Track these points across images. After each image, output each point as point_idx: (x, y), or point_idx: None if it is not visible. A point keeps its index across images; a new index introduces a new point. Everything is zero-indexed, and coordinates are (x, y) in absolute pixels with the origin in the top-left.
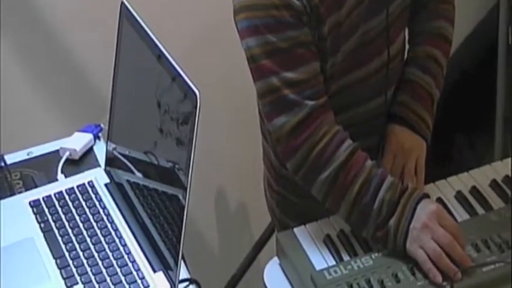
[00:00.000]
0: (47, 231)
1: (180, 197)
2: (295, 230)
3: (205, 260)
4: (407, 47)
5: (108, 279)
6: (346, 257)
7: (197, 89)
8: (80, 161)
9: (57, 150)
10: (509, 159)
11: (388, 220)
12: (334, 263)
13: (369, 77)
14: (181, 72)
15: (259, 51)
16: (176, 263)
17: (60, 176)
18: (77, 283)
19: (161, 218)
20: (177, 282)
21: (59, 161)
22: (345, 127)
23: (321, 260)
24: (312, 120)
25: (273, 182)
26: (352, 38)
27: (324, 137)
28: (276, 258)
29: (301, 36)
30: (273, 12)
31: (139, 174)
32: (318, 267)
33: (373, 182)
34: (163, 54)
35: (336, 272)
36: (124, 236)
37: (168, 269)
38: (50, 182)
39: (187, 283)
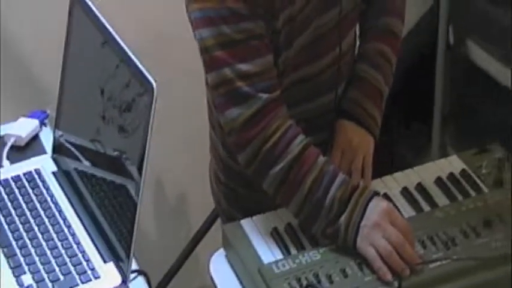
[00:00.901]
0: None
1: (129, 187)
2: (242, 222)
3: (143, 250)
4: (358, 43)
5: (57, 269)
6: (293, 251)
7: (154, 79)
8: (26, 148)
9: (2, 137)
10: (454, 156)
11: (339, 217)
12: (281, 256)
13: (321, 72)
14: (138, 63)
15: (213, 42)
16: (127, 254)
17: (5, 162)
18: (25, 273)
19: (111, 208)
20: (128, 273)
21: (3, 148)
22: (296, 122)
23: (268, 253)
24: (265, 113)
25: (220, 174)
26: (305, 32)
27: (277, 131)
28: (221, 250)
29: (256, 29)
30: (228, 4)
31: (87, 163)
32: (265, 261)
33: (325, 178)
34: (114, 39)
35: (284, 265)
36: (73, 225)
37: (119, 260)
38: None
39: (135, 274)
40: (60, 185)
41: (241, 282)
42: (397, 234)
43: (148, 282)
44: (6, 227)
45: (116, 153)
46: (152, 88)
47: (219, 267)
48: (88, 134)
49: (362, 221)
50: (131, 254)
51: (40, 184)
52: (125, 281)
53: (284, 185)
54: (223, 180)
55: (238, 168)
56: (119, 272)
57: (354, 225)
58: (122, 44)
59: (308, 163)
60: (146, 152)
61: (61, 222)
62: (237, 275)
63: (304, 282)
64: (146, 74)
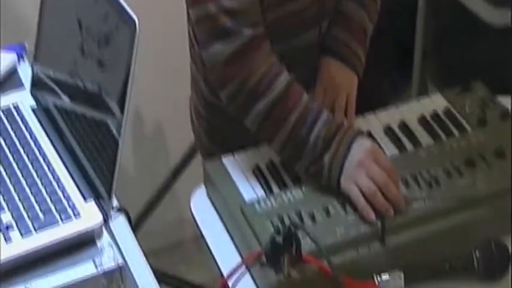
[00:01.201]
0: None
1: (110, 123)
2: (224, 159)
3: (121, 185)
4: None
5: (36, 207)
6: (276, 189)
7: (135, 16)
8: (3, 83)
9: None
10: (438, 95)
11: (323, 155)
12: (263, 194)
13: (306, 7)
14: None
15: None
16: (108, 192)
17: None
18: (3, 210)
19: (91, 145)
20: (109, 212)
21: None
22: (280, 59)
23: (250, 191)
24: (249, 49)
25: (201, 109)
26: None
27: (261, 68)
28: (202, 187)
29: None
30: None
31: (66, 98)
32: (247, 199)
33: (309, 116)
34: None
35: (266, 204)
36: (53, 162)
37: (99, 198)
38: None
39: (115, 212)
40: (39, 121)
41: (222, 220)
42: (381, 173)
43: (129, 220)
44: None
45: (95, 88)
46: (134, 25)
47: (200, 204)
48: (67, 68)
49: (346, 160)
50: (113, 192)
51: (19, 120)
52: (106, 219)
53: (268, 122)
54: (204, 115)
55: (219, 104)
56: (100, 210)
57: (338, 164)
58: None
59: (292, 100)
60: (128, 90)
61: (40, 159)
62: (218, 213)
63: (287, 221)
64: (127, 8)
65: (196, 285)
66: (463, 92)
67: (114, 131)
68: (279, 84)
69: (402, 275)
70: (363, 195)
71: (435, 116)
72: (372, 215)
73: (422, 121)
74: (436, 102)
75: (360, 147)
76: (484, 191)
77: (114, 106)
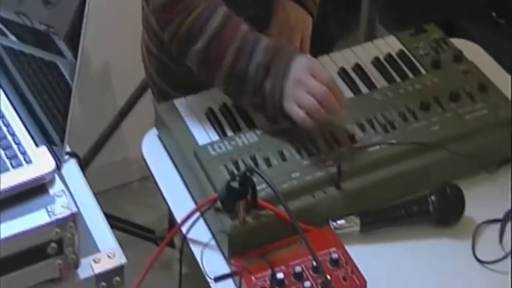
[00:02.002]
0: None
1: (60, 65)
2: (176, 101)
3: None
4: None
5: None
6: (229, 133)
7: None
8: None
9: None
10: (392, 37)
11: (264, 84)
12: (217, 138)
13: None
14: None
15: None
16: (61, 138)
17: None
18: None
19: (42, 90)
20: (62, 158)
21: None
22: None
23: (203, 134)
24: None
25: (153, 47)
26: None
27: (197, 8)
28: (154, 130)
29: None
30: None
31: (13, 38)
32: (200, 142)
33: (247, 47)
34: None
35: (220, 147)
36: (2, 107)
37: (51, 144)
38: None
39: (67, 157)
40: None
41: (174, 163)
42: (320, 86)
43: (80, 165)
44: None
45: (42, 27)
46: None
47: (151, 146)
48: (12, 5)
49: (285, 82)
50: (66, 138)
51: None
52: (58, 166)
53: (206, 60)
54: (155, 53)
55: None
56: (52, 156)
57: (278, 87)
58: None
59: (229, 34)
60: (82, 33)
61: None
62: (170, 156)
63: (242, 165)
64: None
65: (142, 227)
66: (417, 34)
67: (67, 76)
68: (214, 21)
69: (358, 220)
70: (307, 113)
71: (389, 58)
72: (310, 122)
73: (377, 63)
74: (390, 44)
75: (297, 65)
76: (439, 135)
77: (63, 46)
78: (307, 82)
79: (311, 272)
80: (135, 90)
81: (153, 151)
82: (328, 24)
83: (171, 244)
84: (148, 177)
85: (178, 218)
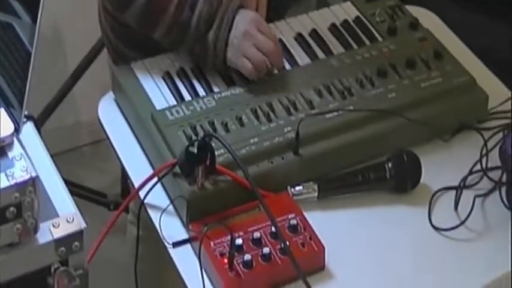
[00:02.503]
0: None
1: (16, 26)
2: (133, 64)
3: None
4: None
5: None
6: (187, 97)
7: None
8: None
9: None
10: (348, 3)
11: (207, 33)
12: (175, 102)
13: None
14: None
15: None
16: (20, 101)
17: None
18: None
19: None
20: (21, 122)
21: None
22: None
23: (161, 98)
24: None
25: (108, 5)
26: None
27: None
28: (110, 93)
29: None
30: None
31: None
32: (158, 106)
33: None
34: None
35: (178, 112)
36: None
37: (9, 106)
38: None
39: (24, 119)
40: None
41: (131, 128)
42: (268, 41)
43: (37, 128)
44: None
45: None
46: None
47: (108, 110)
48: None
49: (230, 34)
50: (25, 101)
51: None
52: (17, 129)
53: (150, 9)
54: (111, 11)
55: None
56: (11, 119)
57: (222, 38)
58: None
59: None
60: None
61: None
62: (127, 120)
63: (200, 131)
64: None
65: (94, 191)
66: (373, 1)
67: (24, 38)
68: None
69: (316, 187)
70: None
71: (346, 24)
72: (256, 74)
73: (333, 29)
74: (346, 10)
75: (244, 19)
76: (395, 102)
77: (21, 10)
78: (255, 35)
79: (269, 237)
80: (89, 51)
81: (109, 115)
82: None
83: (127, 210)
84: (99, 142)
85: (136, 182)
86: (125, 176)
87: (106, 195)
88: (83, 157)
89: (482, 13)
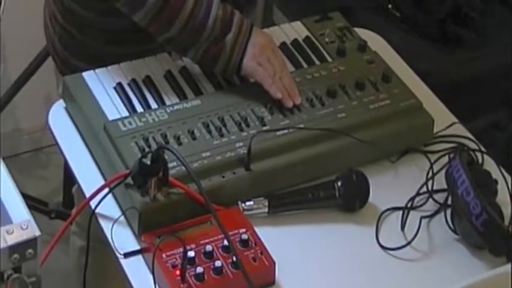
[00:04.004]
0: None
1: None
2: (85, 74)
3: None
4: None
5: None
6: (139, 108)
7: None
8: None
9: None
10: (298, 22)
11: (225, 36)
12: (127, 113)
13: None
14: None
15: None
16: None
17: None
18: None
19: None
20: None
21: None
22: None
23: (112, 109)
24: None
25: (58, 14)
26: None
27: None
28: (61, 101)
29: None
30: None
31: None
32: (110, 117)
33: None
34: None
35: (130, 123)
36: None
37: None
38: None
39: None
40: None
41: (82, 137)
42: (280, 61)
43: None
44: None
45: None
46: None
47: (58, 119)
48: None
49: (249, 43)
50: None
51: None
52: None
53: (163, 12)
54: (60, 21)
55: (78, 11)
56: None
57: (241, 44)
58: None
59: None
60: None
61: None
62: (78, 129)
63: (153, 143)
64: None
65: (36, 199)
66: (322, 21)
67: None
68: None
69: (267, 202)
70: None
71: (296, 43)
72: (280, 94)
73: (283, 47)
74: (296, 29)
75: (261, 34)
76: (344, 122)
77: None
78: (270, 53)
79: (221, 251)
80: (34, 59)
81: (59, 123)
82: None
83: (64, 217)
84: (39, 149)
85: (87, 192)
86: (67, 184)
87: (47, 204)
88: (23, 164)
89: (424, 38)
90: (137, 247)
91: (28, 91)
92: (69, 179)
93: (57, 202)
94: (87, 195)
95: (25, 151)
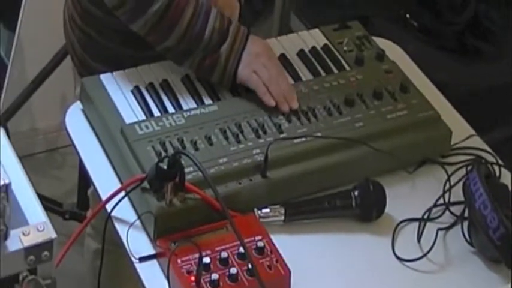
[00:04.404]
0: None
1: None
2: (102, 77)
3: None
4: None
5: None
6: (156, 112)
7: None
8: None
9: None
10: (316, 30)
11: (220, 46)
12: (144, 117)
13: None
14: None
15: None
16: None
17: None
18: None
19: None
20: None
21: None
22: None
23: (130, 112)
24: None
25: (76, 17)
26: None
27: None
28: (78, 103)
29: None
30: None
31: None
32: (127, 120)
33: (202, 11)
34: None
35: (147, 127)
36: None
37: None
38: None
39: None
40: None
41: (99, 139)
42: (276, 66)
43: (8, 135)
44: None
45: None
46: None
47: (75, 120)
48: None
49: (244, 51)
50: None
51: None
52: None
53: (162, 22)
54: (79, 23)
55: (96, 12)
56: None
57: (236, 53)
58: None
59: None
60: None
61: None
62: (94, 131)
63: (169, 147)
64: None
65: (50, 200)
66: (341, 29)
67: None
68: None
69: (283, 210)
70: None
71: (314, 51)
72: (273, 101)
73: (302, 55)
74: (314, 37)
75: (256, 42)
76: (362, 132)
77: None
78: (265, 59)
79: (236, 258)
80: (52, 59)
81: (76, 125)
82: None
83: (78, 219)
84: (54, 150)
85: (103, 195)
86: (82, 186)
87: (61, 205)
88: (37, 164)
89: (441, 49)
90: (152, 252)
91: (44, 91)
92: (84, 180)
93: (72, 203)
94: (103, 198)
95: (40, 151)
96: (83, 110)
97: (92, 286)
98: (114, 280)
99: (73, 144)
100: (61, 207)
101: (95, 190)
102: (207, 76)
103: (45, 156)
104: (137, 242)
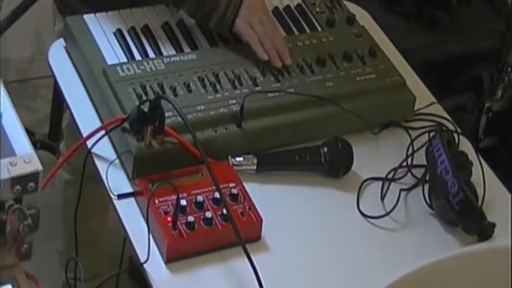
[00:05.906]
0: None
1: None
2: (86, 17)
3: None
4: None
5: None
6: (137, 56)
7: None
8: None
9: None
10: None
11: None
12: (125, 60)
13: None
14: None
15: None
16: None
17: None
18: None
19: None
20: None
21: None
22: None
23: (112, 54)
24: None
25: None
26: None
27: None
28: (61, 40)
29: None
30: None
31: None
32: (109, 62)
33: None
34: None
35: (128, 69)
36: None
37: None
38: None
39: None
40: None
41: (81, 77)
42: (272, 22)
43: None
44: None
45: None
46: None
47: (58, 57)
48: None
49: (242, 4)
50: None
51: None
52: None
53: None
54: None
55: None
56: None
57: (235, 6)
58: None
59: None
60: None
61: None
62: (77, 70)
63: (150, 91)
64: None
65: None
66: None
67: None
68: None
69: (256, 160)
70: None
71: (288, 9)
72: (266, 56)
73: (276, 12)
74: None
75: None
76: (332, 91)
77: None
78: (261, 14)
79: (211, 203)
80: None
81: (59, 61)
82: None
83: (50, 149)
84: (26, 81)
85: (84, 131)
86: (54, 118)
87: (34, 134)
88: (9, 93)
89: (402, 17)
90: (130, 190)
91: (20, 23)
92: (57, 113)
93: (43, 133)
94: (84, 134)
95: (11, 80)
96: (66, 48)
97: (62, 215)
98: (85, 211)
99: (55, 79)
100: (33, 136)
101: (76, 125)
102: (204, 21)
103: (17, 86)
104: (116, 180)
